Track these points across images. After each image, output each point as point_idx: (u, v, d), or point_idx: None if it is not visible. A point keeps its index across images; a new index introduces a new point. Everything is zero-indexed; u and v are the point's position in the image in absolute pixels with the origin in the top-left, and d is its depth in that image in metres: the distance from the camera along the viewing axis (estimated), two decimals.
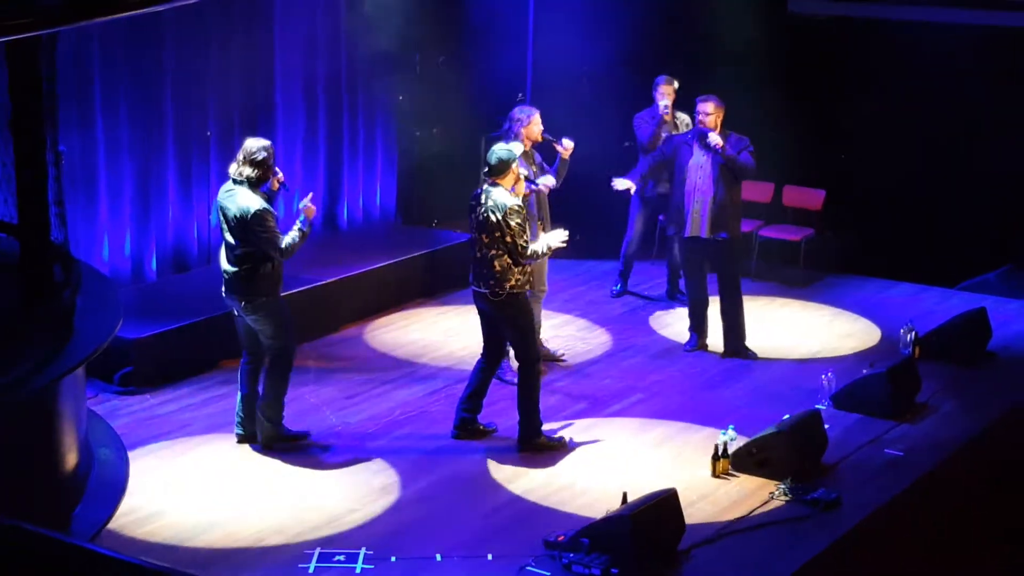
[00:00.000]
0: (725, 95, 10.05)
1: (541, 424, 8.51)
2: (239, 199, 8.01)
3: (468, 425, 8.72)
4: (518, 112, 9.63)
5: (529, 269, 8.42)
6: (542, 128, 9.60)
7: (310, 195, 8.43)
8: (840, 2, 13.44)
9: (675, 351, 10.35)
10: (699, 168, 9.91)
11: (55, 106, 5.09)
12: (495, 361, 8.74)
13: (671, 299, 11.49)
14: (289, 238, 8.05)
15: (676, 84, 11.02)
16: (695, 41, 12.67)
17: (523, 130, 9.52)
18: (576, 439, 8.65)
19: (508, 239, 8.23)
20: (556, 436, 8.57)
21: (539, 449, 8.44)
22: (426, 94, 12.89)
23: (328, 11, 11.70)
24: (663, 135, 10.81)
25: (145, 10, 4.22)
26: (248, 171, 8.04)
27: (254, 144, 8.13)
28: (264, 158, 8.05)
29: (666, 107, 10.92)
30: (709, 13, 12.73)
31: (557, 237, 8.45)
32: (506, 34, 12.81)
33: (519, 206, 8.31)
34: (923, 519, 8.21)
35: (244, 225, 7.99)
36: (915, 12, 12.78)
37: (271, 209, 8.06)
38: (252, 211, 7.95)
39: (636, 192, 10.80)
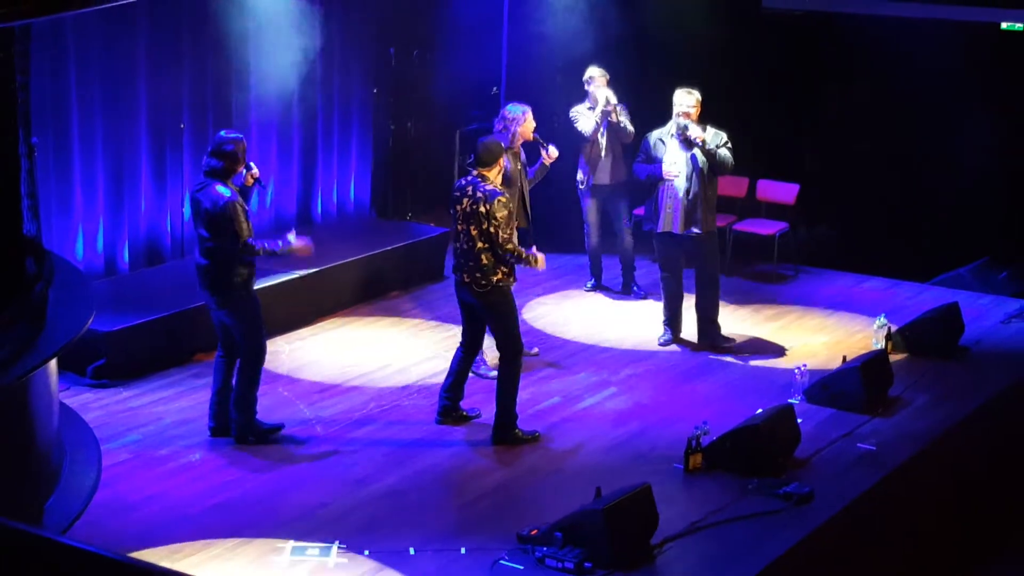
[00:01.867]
0: (699, 90, 10.07)
1: (517, 417, 8.52)
2: (210, 191, 8.00)
3: (451, 412, 8.74)
4: (511, 111, 9.67)
5: (512, 263, 8.41)
6: (535, 126, 9.65)
7: (309, 244, 8.33)
8: None
9: (649, 345, 10.36)
10: (673, 163, 9.93)
11: (28, 98, 5.06)
12: (473, 350, 8.77)
13: (626, 292, 11.53)
14: (258, 242, 8.01)
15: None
16: (669, 36, 12.68)
17: (518, 129, 9.57)
18: (550, 433, 8.66)
19: (492, 229, 8.23)
20: (531, 430, 8.59)
21: (514, 442, 8.45)
22: (400, 88, 12.88)
23: (304, 4, 11.66)
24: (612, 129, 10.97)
25: (113, 4, 4.19)
26: (215, 162, 8.03)
27: (223, 135, 8.14)
28: (232, 150, 8.03)
29: (608, 99, 10.94)
30: (683, 8, 12.76)
31: (540, 259, 8.47)
32: (480, 28, 12.80)
33: (507, 198, 8.31)
34: (896, 513, 8.25)
35: (213, 218, 7.97)
36: (888, 7, 12.83)
37: (241, 202, 8.03)
38: (220, 203, 7.95)
39: (581, 186, 11.00)
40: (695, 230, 9.98)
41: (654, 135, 10.10)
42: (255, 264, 8.20)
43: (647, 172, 10.06)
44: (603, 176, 11.24)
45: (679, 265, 10.27)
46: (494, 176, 8.40)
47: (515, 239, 8.45)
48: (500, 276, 8.34)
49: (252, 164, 8.31)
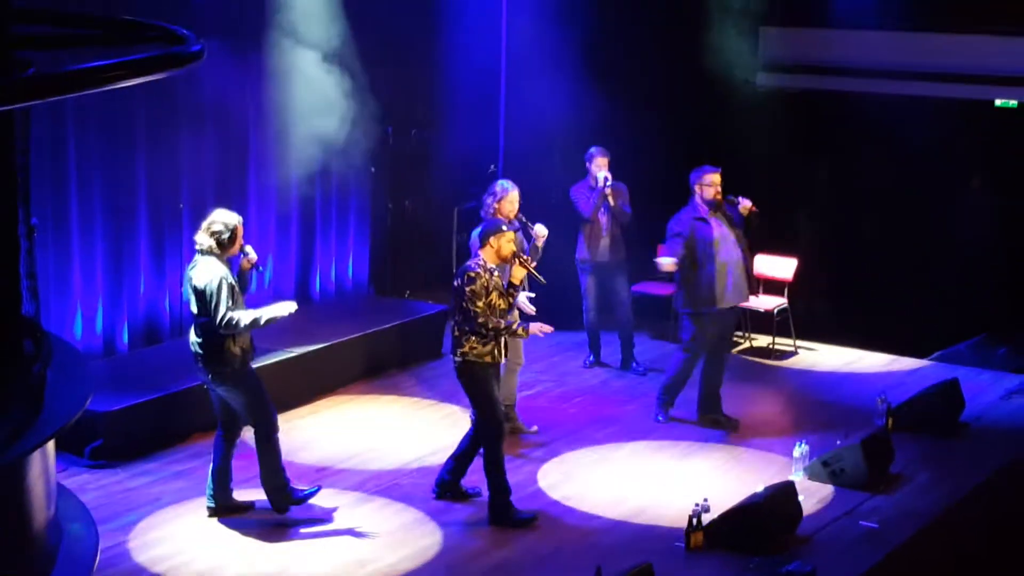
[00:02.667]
0: (694, 167, 10.12)
1: (510, 493, 8.43)
2: (200, 269, 8.01)
3: (448, 487, 8.68)
4: (496, 186, 9.66)
5: (492, 339, 8.33)
6: (518, 208, 9.59)
7: (291, 302, 8.30)
8: (807, 75, 13.59)
9: (648, 421, 10.32)
10: (725, 239, 9.93)
11: (28, 178, 5.07)
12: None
13: (626, 369, 11.52)
14: (239, 314, 7.93)
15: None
16: (665, 112, 12.78)
17: (496, 204, 9.50)
18: (549, 511, 8.60)
19: (464, 304, 8.25)
20: (529, 513, 8.49)
21: (511, 524, 8.38)
22: (398, 166, 12.95)
23: (302, 83, 11.74)
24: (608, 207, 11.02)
25: (113, 85, 4.21)
26: (205, 239, 8.04)
27: (216, 215, 8.15)
28: (219, 231, 8.02)
29: (607, 178, 11.00)
30: (679, 85, 12.87)
31: (539, 328, 8.47)
32: (478, 106, 12.89)
33: (477, 273, 8.29)
34: None
35: (200, 294, 7.98)
36: (884, 85, 12.95)
37: (230, 281, 7.99)
38: (209, 280, 7.95)
39: (581, 263, 11.09)
40: (741, 302, 10.14)
41: (687, 219, 9.93)
42: (252, 340, 8.17)
43: (678, 252, 9.88)
44: (603, 254, 11.27)
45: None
46: (490, 256, 8.40)
47: (496, 315, 8.32)
48: (467, 349, 8.30)
49: (249, 248, 8.29)
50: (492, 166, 13.01)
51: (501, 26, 12.82)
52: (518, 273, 8.43)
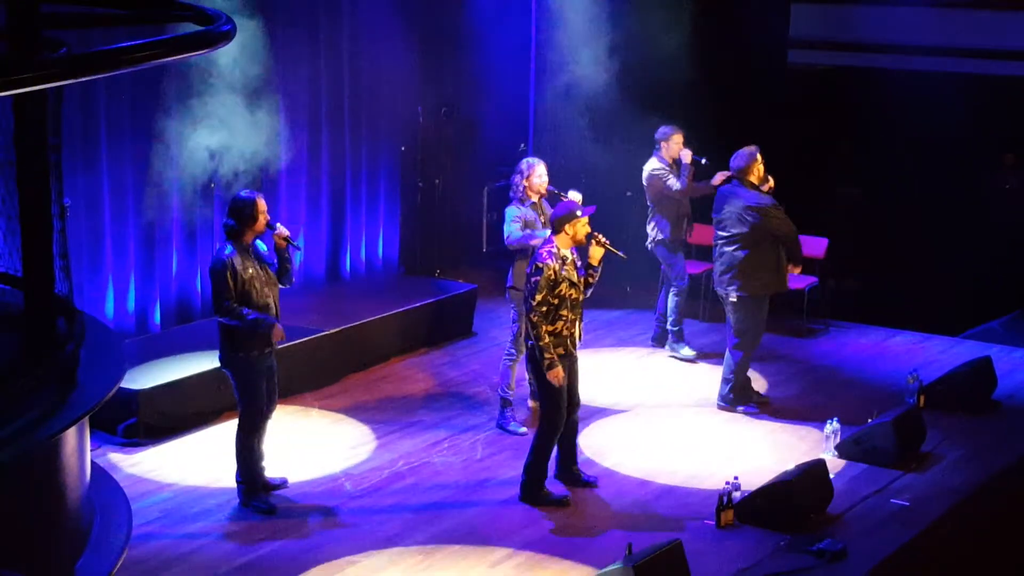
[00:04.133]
0: (729, 146, 10.07)
1: (546, 476, 8.45)
2: (216, 251, 8.05)
3: (563, 474, 8.67)
4: (521, 164, 9.62)
5: (564, 331, 8.24)
6: (546, 180, 9.55)
7: (282, 333, 8.18)
8: (838, 52, 13.52)
9: (680, 400, 10.30)
10: None
11: (60, 159, 5.10)
12: (568, 409, 8.54)
13: (660, 345, 11.45)
14: (239, 311, 7.91)
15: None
16: (696, 90, 12.72)
17: (525, 182, 9.48)
18: (580, 489, 8.61)
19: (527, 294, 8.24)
20: (561, 495, 8.49)
21: (541, 503, 8.38)
22: (428, 145, 12.95)
23: (331, 63, 11.77)
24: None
25: (143, 65, 4.23)
26: (228, 221, 8.06)
27: (238, 195, 8.16)
28: (240, 208, 8.01)
29: (691, 154, 10.88)
30: (711, 64, 12.80)
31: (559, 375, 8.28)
32: (507, 84, 12.87)
33: (546, 264, 8.15)
34: (930, 569, 8.16)
35: (210, 276, 8.06)
36: (915, 61, 12.87)
37: (231, 264, 7.92)
38: (213, 261, 8.01)
39: (669, 243, 10.99)
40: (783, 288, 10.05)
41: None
42: (265, 336, 8.06)
43: None
44: (688, 232, 11.22)
45: None
46: (563, 243, 8.28)
47: (567, 306, 8.18)
48: (535, 335, 8.25)
49: (278, 225, 8.22)
50: (522, 144, 13.01)
51: (531, 4, 12.81)
52: (596, 253, 8.34)
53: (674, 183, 10.87)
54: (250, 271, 7.99)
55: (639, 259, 10.95)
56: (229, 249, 7.99)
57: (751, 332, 9.92)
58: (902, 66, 12.89)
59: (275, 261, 8.19)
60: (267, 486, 8.38)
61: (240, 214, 8.01)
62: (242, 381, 8.16)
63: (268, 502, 8.23)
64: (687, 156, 10.89)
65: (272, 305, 8.11)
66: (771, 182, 9.94)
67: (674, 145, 10.99)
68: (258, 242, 8.17)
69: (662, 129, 11.09)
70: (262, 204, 8.08)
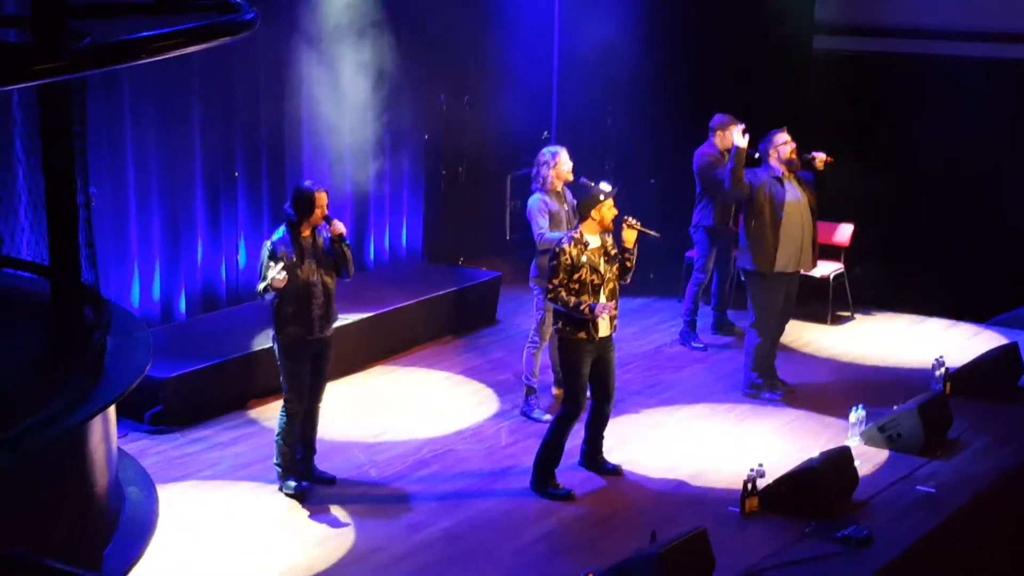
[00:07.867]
0: (755, 132, 10.03)
1: (555, 466, 8.39)
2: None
3: (588, 461, 8.69)
4: (543, 155, 9.59)
5: (588, 318, 8.20)
6: (570, 166, 9.54)
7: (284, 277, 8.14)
8: (865, 37, 13.44)
9: (702, 388, 10.29)
10: (797, 202, 9.78)
11: (85, 148, 5.12)
12: (598, 398, 8.56)
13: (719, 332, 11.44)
14: (262, 284, 8.03)
15: None
16: (721, 76, 12.68)
17: (551, 172, 9.47)
18: (603, 477, 8.61)
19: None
20: (566, 489, 8.38)
21: (544, 495, 8.33)
22: (451, 133, 12.95)
23: (355, 50, 11.77)
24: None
25: (168, 55, 4.23)
26: (286, 208, 8.23)
27: (300, 184, 8.32)
28: (298, 198, 8.13)
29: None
30: (735, 49, 12.74)
31: (606, 308, 8.19)
32: (530, 72, 12.86)
33: (563, 248, 8.20)
34: (955, 556, 8.14)
35: None
36: (942, 46, 12.79)
37: (273, 248, 8.03)
38: (263, 247, 8.12)
39: (714, 230, 10.94)
40: (801, 270, 9.95)
41: (764, 174, 9.77)
42: (309, 310, 8.14)
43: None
44: (728, 219, 11.18)
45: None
46: (590, 228, 8.29)
47: (587, 291, 8.17)
48: (560, 324, 8.28)
49: (334, 220, 8.22)
50: (545, 132, 13.00)
51: None
52: (629, 236, 8.32)
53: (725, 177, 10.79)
54: (294, 257, 8.04)
55: (661, 246, 10.91)
56: (278, 235, 8.11)
57: (764, 312, 9.88)
58: (932, 51, 12.80)
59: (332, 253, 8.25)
60: (311, 474, 8.40)
61: (299, 204, 8.10)
62: (283, 362, 8.22)
63: (299, 485, 8.25)
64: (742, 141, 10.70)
65: (318, 293, 8.12)
66: (824, 156, 9.81)
67: (729, 136, 10.90)
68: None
69: (717, 117, 11.02)
70: (322, 198, 8.13)
